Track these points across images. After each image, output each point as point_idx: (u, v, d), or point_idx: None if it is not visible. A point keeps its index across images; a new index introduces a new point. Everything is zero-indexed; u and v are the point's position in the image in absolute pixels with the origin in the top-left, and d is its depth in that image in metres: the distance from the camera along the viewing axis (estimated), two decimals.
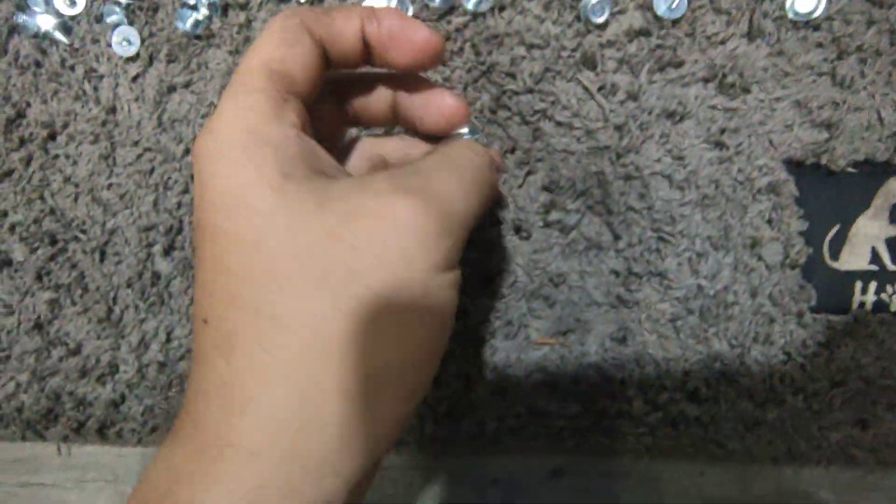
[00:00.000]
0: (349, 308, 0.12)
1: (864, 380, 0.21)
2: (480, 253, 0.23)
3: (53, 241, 0.24)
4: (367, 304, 0.12)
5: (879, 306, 0.21)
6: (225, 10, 0.25)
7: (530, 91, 0.23)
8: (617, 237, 0.22)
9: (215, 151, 0.13)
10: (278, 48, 0.14)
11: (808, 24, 0.23)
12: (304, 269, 0.12)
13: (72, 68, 0.25)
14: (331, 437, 0.12)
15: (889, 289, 0.21)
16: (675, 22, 0.23)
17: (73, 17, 0.25)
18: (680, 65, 0.23)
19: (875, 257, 0.22)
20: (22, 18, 0.25)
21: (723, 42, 0.23)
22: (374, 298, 0.12)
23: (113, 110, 0.25)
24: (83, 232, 0.24)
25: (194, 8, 0.25)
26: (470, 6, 0.24)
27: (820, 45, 0.23)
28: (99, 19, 0.25)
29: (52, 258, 0.24)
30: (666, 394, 0.21)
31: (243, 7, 0.25)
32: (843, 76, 0.22)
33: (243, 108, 0.13)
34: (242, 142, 0.13)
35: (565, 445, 0.22)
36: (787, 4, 0.23)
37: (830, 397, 0.21)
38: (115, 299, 0.24)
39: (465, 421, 0.22)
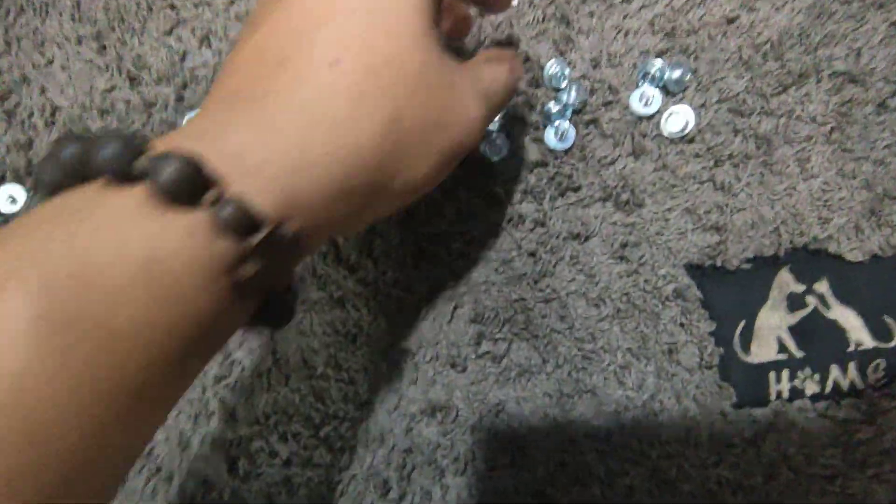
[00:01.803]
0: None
1: (793, 470, 0.21)
2: (418, 391, 0.23)
3: None
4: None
5: (795, 393, 0.22)
6: None
7: (447, 232, 0.24)
8: (545, 360, 0.23)
9: None
10: None
11: (682, 139, 0.25)
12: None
13: None
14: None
15: (800, 374, 0.22)
16: (568, 150, 0.25)
17: (14, 215, 0.25)
18: (578, 189, 0.25)
19: (781, 346, 0.23)
20: None
21: (612, 163, 0.25)
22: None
23: None
24: None
25: None
26: None
27: (697, 155, 0.25)
28: None
29: None
30: None
31: None
32: (721, 181, 0.24)
33: None
34: None
35: None
36: (662, 124, 0.25)
37: (766, 492, 0.21)
38: None
39: None
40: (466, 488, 0.22)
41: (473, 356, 0.24)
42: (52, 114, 0.26)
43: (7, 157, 0.25)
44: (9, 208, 0.25)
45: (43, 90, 0.26)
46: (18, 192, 0.25)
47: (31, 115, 0.26)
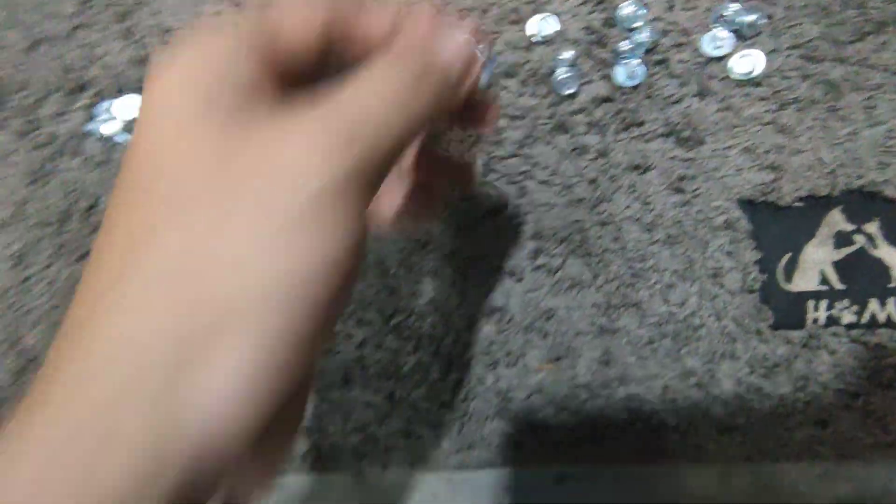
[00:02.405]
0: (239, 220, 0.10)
1: (821, 385, 0.23)
2: (480, 294, 0.27)
3: None
4: (258, 216, 0.11)
5: (831, 321, 0.24)
6: None
7: (514, 155, 0.27)
8: (596, 275, 0.25)
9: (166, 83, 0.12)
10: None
11: (749, 82, 0.26)
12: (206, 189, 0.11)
13: None
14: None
15: (838, 305, 0.24)
16: (635, 88, 0.26)
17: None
18: (641, 124, 0.26)
19: (824, 279, 0.24)
20: (90, 127, 0.30)
21: (677, 101, 0.26)
22: (265, 213, 0.11)
23: None
24: None
25: None
26: None
27: (763, 98, 0.26)
28: None
29: None
30: (648, 406, 0.24)
31: None
32: (784, 124, 0.25)
33: (210, 44, 0.12)
34: (195, 75, 0.12)
35: (564, 456, 0.25)
36: (730, 67, 0.26)
37: (793, 401, 0.23)
38: None
39: (474, 441, 0.26)
40: (516, 377, 0.25)
41: (530, 268, 0.26)
42: (165, 33, 0.30)
43: (126, 72, 0.29)
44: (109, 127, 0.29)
45: (156, 13, 0.30)
46: (122, 107, 0.29)
47: (145, 35, 0.30)
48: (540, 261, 0.26)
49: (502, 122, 0.27)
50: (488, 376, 0.26)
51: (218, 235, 0.11)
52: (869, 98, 0.25)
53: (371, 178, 0.12)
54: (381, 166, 0.12)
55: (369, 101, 0.12)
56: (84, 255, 0.29)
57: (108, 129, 0.29)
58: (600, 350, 0.25)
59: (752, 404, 0.23)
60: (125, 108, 0.29)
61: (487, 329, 0.26)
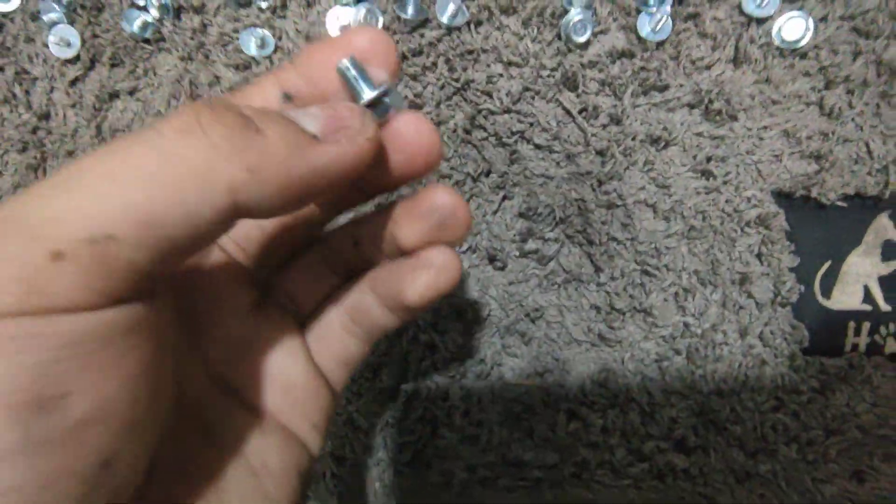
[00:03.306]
0: None
1: (860, 429, 0.18)
2: None
3: None
4: None
5: (873, 349, 0.19)
6: (178, 12, 0.22)
7: (507, 111, 0.21)
8: (598, 270, 0.20)
9: None
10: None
11: (794, 52, 0.21)
12: None
13: (1, 69, 0.21)
14: None
15: (883, 330, 0.19)
16: (660, 44, 0.21)
17: (5, 14, 0.22)
18: (664, 89, 0.21)
19: (867, 296, 0.20)
20: None
21: (708, 67, 0.21)
22: None
23: (46, 116, 0.21)
24: None
25: (143, 9, 0.21)
26: (444, 20, 0.21)
27: (807, 73, 0.21)
28: (35, 17, 0.22)
29: None
30: (651, 442, 0.19)
31: (198, 10, 0.22)
32: (831, 106, 0.21)
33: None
34: None
35: (543, 499, 0.19)
36: (774, 31, 0.21)
37: (826, 447, 0.18)
38: None
39: (431, 470, 0.19)
40: (489, 394, 0.19)
41: (517, 254, 0.20)
42: None
43: None
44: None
45: None
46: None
47: None
48: (530, 245, 0.20)
49: (496, 69, 0.21)
50: (453, 389, 0.20)
51: None
52: None
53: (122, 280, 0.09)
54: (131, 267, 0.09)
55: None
56: None
57: None
58: (596, 365, 0.19)
59: (776, 447, 0.18)
60: None
61: (454, 328, 0.20)
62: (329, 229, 0.15)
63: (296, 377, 0.13)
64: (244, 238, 0.13)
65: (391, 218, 0.13)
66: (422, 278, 0.12)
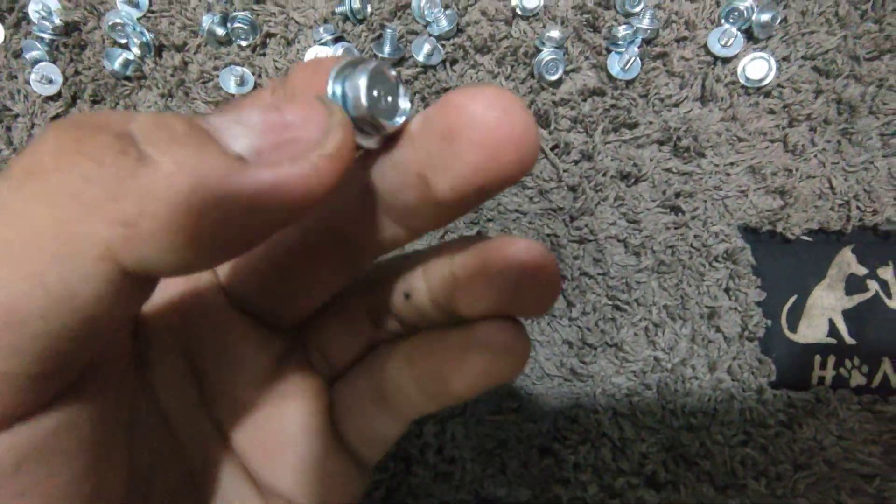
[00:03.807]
0: None
1: (828, 463, 0.19)
2: None
3: None
4: None
5: (839, 382, 0.20)
6: (159, 50, 0.22)
7: None
8: (570, 304, 0.20)
9: None
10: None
11: (759, 90, 0.22)
12: None
13: None
14: None
15: (848, 363, 0.20)
16: (629, 83, 0.22)
17: None
18: (634, 126, 0.22)
19: (833, 330, 0.20)
20: None
21: (676, 105, 0.22)
22: None
23: None
24: None
25: (125, 47, 0.22)
26: (421, 58, 0.22)
27: (771, 111, 0.22)
28: (18, 55, 0.22)
29: None
30: (623, 478, 0.19)
31: (179, 48, 0.22)
32: (794, 143, 0.21)
33: None
34: None
35: None
36: (739, 70, 0.22)
37: (794, 482, 0.18)
38: None
39: None
40: (463, 429, 0.19)
41: None
42: None
43: None
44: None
45: None
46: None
47: None
48: None
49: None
50: (427, 426, 0.20)
51: None
52: (886, 123, 0.21)
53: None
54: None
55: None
56: None
57: None
58: (569, 400, 0.20)
59: (745, 482, 0.19)
60: None
61: None
62: (377, 270, 0.11)
63: (314, 456, 0.11)
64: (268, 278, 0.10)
65: (451, 270, 0.09)
66: (475, 364, 0.09)
